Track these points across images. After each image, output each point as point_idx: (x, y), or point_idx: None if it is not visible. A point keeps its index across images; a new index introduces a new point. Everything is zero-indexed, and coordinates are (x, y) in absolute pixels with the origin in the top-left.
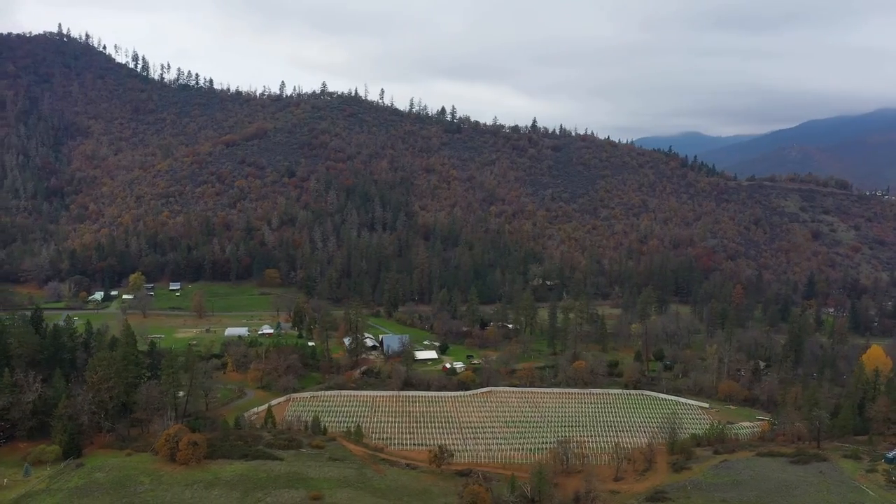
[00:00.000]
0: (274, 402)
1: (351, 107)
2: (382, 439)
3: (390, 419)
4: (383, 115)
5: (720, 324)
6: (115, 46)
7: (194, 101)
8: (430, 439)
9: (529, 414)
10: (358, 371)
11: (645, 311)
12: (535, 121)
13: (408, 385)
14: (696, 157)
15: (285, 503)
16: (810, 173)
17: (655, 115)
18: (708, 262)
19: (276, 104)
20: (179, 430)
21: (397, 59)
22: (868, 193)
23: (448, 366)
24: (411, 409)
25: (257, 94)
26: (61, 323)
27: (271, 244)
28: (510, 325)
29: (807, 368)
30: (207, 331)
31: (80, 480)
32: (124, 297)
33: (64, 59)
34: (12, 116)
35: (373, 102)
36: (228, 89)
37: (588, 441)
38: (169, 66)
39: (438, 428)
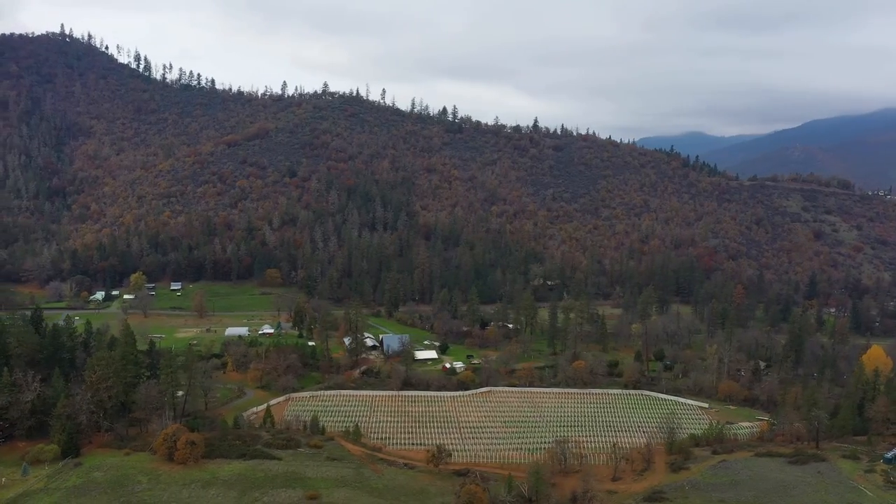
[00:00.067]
0: (273, 401)
1: (352, 107)
2: (381, 439)
3: (389, 419)
4: (385, 115)
5: (721, 324)
6: (118, 47)
7: (196, 101)
8: (428, 439)
9: (528, 414)
10: (358, 371)
11: (646, 311)
12: (536, 120)
13: (407, 385)
14: (697, 156)
15: (282, 503)
16: (812, 173)
17: (658, 114)
18: (709, 262)
19: (278, 104)
20: (177, 430)
21: (399, 58)
22: (870, 193)
23: (448, 366)
24: (410, 408)
25: (259, 95)
26: (61, 323)
27: (272, 244)
28: (510, 325)
29: (807, 368)
30: (208, 330)
31: (77, 480)
32: (125, 296)
33: (66, 59)
34: (15, 116)
35: (374, 102)
36: (230, 89)
37: (586, 441)
38: (171, 66)
39: (437, 428)
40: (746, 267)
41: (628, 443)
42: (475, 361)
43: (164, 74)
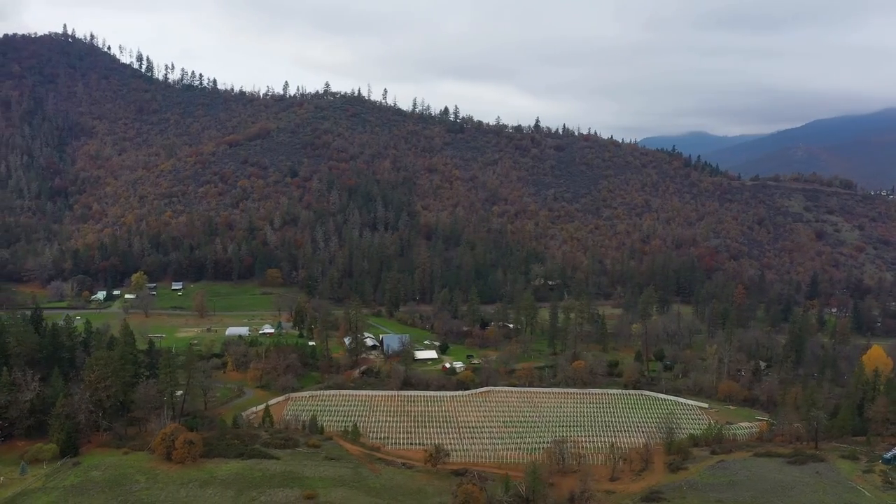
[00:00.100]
0: (272, 401)
1: (354, 107)
2: (380, 439)
3: (388, 419)
4: (386, 115)
5: (721, 324)
6: (120, 47)
7: (198, 101)
8: (427, 439)
9: (527, 414)
10: (357, 370)
11: (646, 311)
12: (538, 120)
13: (407, 385)
14: (699, 156)
15: (279, 502)
16: (815, 173)
17: (661, 114)
18: (710, 262)
19: (280, 104)
20: (176, 429)
21: (401, 59)
22: (873, 193)
23: (448, 365)
24: (410, 408)
25: (261, 95)
26: (61, 322)
27: (273, 244)
28: (511, 325)
29: (808, 369)
30: (209, 330)
31: (75, 479)
32: (127, 296)
33: (69, 59)
34: (17, 117)
35: (376, 102)
36: (232, 89)
37: (585, 441)
38: (173, 66)
39: (436, 427)
40: (748, 267)
41: (627, 443)
42: (475, 361)
43: (166, 75)
